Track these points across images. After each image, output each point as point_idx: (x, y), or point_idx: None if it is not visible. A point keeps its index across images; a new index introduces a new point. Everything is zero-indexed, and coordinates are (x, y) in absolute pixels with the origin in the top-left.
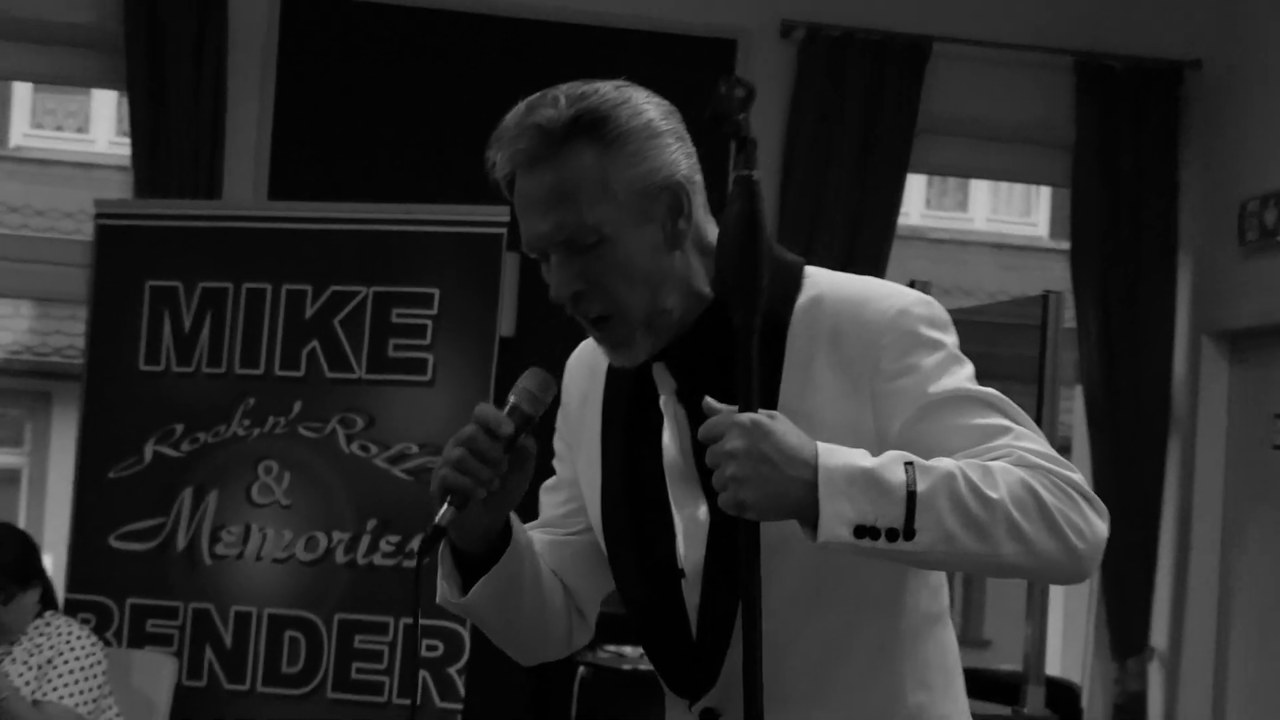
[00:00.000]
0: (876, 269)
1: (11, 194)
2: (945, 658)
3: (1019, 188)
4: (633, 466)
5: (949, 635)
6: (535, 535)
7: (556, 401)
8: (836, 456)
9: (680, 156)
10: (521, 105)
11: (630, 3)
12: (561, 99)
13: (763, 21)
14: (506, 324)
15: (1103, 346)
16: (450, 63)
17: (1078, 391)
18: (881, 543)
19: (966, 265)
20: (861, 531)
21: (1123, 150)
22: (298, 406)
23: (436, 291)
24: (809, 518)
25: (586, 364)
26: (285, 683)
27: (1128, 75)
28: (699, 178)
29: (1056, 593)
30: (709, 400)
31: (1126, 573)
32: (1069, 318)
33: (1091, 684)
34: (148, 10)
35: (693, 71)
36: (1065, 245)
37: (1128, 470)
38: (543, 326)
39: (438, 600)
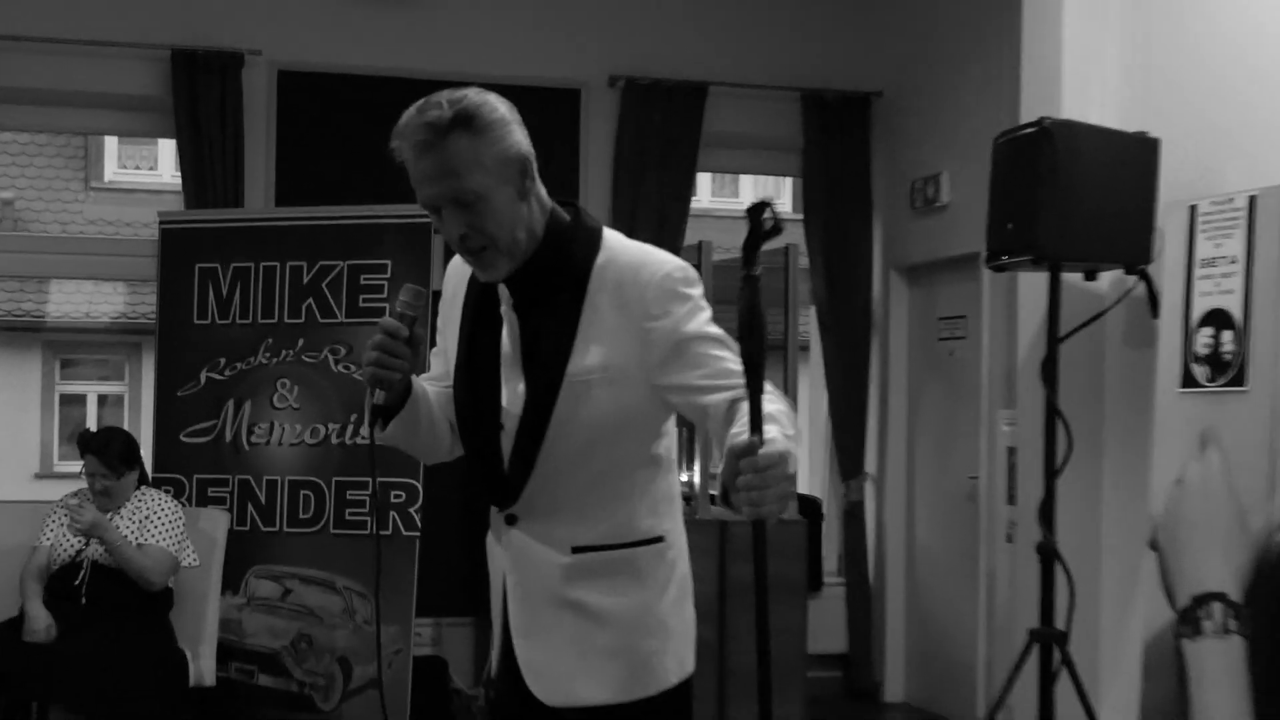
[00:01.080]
0: (678, 236)
1: (106, 213)
2: (670, 492)
3: (771, 178)
4: (477, 351)
5: (674, 477)
6: (428, 386)
7: (437, 299)
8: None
9: (522, 137)
10: (413, 109)
11: (502, 64)
12: (444, 103)
13: (596, 76)
14: (436, 281)
15: (826, 279)
16: (384, 108)
17: (812, 310)
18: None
19: (738, 231)
20: None
21: (833, 151)
22: (301, 342)
23: (389, 262)
24: None
25: (458, 272)
26: (301, 525)
27: (835, 102)
28: (533, 153)
29: (804, 432)
30: (752, 439)
31: (847, 423)
32: (804, 261)
33: (828, 497)
34: (187, 86)
35: (553, 114)
36: (801, 215)
37: (846, 358)
38: None
39: (362, 434)
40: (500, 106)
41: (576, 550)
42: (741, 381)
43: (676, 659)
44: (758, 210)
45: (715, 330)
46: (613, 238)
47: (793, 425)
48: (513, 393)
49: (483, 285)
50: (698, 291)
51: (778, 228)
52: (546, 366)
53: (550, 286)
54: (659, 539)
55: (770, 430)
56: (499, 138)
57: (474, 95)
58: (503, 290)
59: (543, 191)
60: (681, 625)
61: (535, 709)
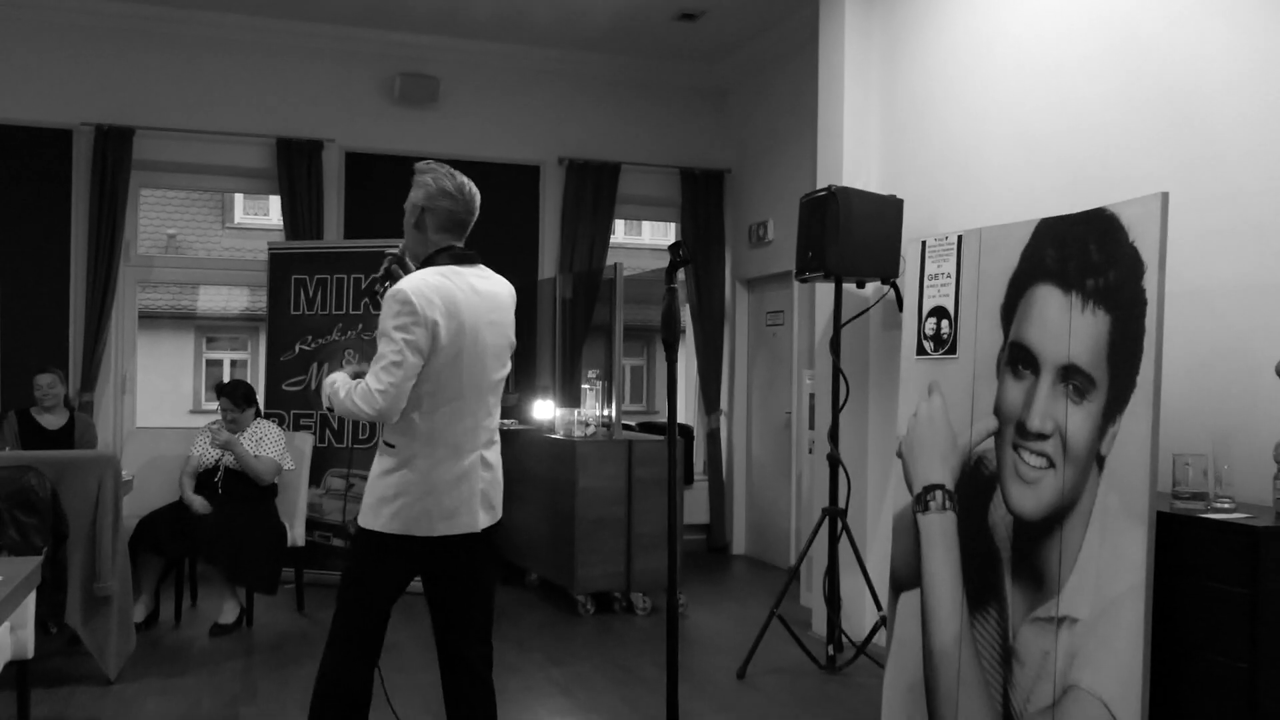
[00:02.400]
0: (602, 260)
1: (236, 244)
2: (413, 428)
3: (661, 224)
4: None
5: (421, 419)
6: None
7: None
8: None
9: (421, 198)
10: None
11: (491, 149)
12: (423, 163)
13: (550, 157)
14: None
15: (696, 288)
16: (412, 177)
17: (688, 306)
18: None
19: (642, 258)
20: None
21: (700, 207)
22: (360, 326)
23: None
24: None
25: None
26: (360, 443)
27: (701, 175)
28: (434, 209)
29: (682, 385)
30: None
31: (709, 378)
32: (684, 277)
33: (697, 424)
34: (286, 162)
35: (522, 183)
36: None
37: (709, 337)
38: None
39: None
40: (427, 177)
41: (383, 440)
42: (379, 354)
43: (374, 514)
44: (675, 248)
45: (394, 334)
46: (424, 270)
47: (352, 396)
48: None
49: None
50: (397, 305)
51: (688, 259)
52: None
53: None
54: (392, 446)
55: (337, 377)
56: (416, 191)
57: (433, 166)
58: None
59: (438, 238)
60: (388, 498)
61: None
